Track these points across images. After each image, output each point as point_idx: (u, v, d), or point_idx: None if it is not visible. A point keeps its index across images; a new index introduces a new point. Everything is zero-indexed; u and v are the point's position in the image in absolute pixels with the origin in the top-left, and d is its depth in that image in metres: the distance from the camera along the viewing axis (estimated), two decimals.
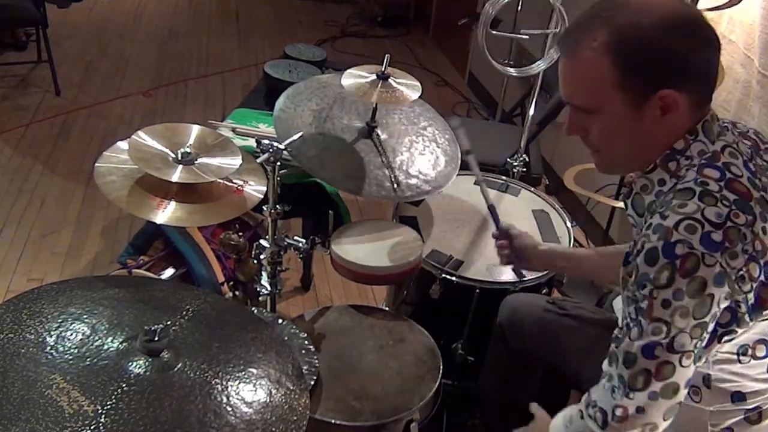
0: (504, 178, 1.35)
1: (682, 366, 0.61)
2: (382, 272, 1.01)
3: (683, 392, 0.63)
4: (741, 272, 0.60)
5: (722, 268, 0.59)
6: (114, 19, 3.31)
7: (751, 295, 0.61)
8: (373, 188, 1.06)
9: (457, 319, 1.15)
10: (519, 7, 1.75)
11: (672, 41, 0.61)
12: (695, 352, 0.61)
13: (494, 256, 1.14)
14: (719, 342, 0.64)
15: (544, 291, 1.14)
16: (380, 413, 0.88)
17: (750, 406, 0.70)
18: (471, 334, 1.15)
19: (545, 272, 1.11)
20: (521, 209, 1.28)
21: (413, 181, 1.09)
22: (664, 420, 0.64)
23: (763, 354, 0.67)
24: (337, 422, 0.86)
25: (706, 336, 0.62)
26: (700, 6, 1.31)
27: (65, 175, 2.06)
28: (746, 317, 0.62)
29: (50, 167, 2.10)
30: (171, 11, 3.50)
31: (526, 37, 1.43)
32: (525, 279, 1.10)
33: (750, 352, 0.67)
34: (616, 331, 0.65)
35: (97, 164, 0.93)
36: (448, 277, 1.09)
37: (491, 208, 1.03)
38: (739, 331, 0.64)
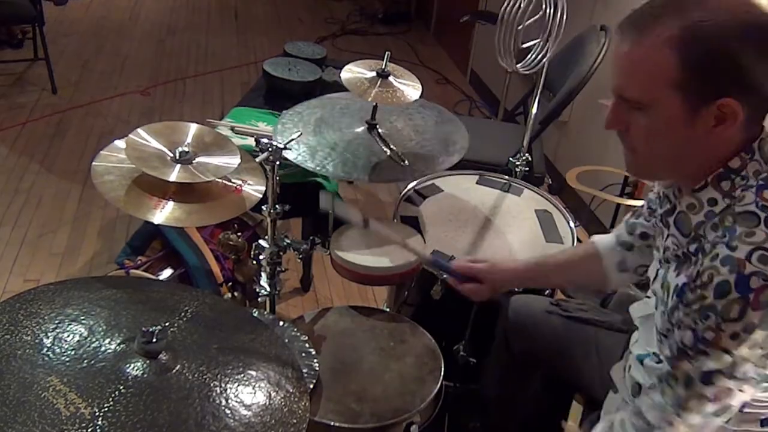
0: (506, 177, 1.34)
1: (741, 391, 0.61)
2: (383, 273, 1.00)
3: (733, 413, 0.63)
4: None
5: None
6: (111, 17, 3.29)
7: None
8: (364, 173, 1.04)
9: (458, 321, 1.14)
10: (521, 4, 1.73)
11: (744, 49, 0.56)
12: (758, 379, 0.60)
13: (496, 257, 1.13)
14: None
15: (547, 292, 1.12)
16: (380, 415, 0.87)
17: None
18: (473, 336, 1.14)
19: None
20: (524, 209, 1.27)
21: (410, 165, 1.07)
22: None
23: None
24: (337, 424, 0.85)
25: None
26: None
27: (62, 175, 2.04)
28: None
29: (47, 166, 2.08)
30: (169, 8, 3.48)
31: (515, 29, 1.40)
32: None
33: None
34: (665, 352, 0.63)
35: (94, 163, 0.92)
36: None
37: (430, 263, 0.91)
38: None
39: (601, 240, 0.90)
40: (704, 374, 0.60)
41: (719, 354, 0.59)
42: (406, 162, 1.05)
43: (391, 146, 1.07)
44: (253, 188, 0.96)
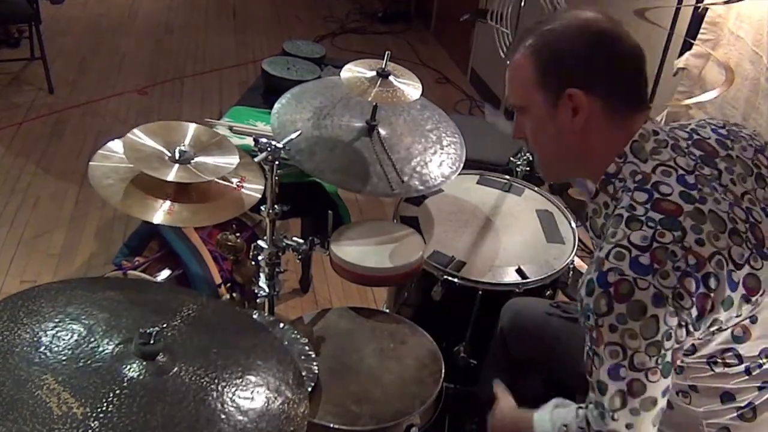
0: (507, 177, 1.33)
1: (651, 381, 0.63)
2: (383, 273, 0.99)
3: (663, 400, 0.65)
4: (677, 289, 0.61)
5: (657, 290, 0.60)
6: (109, 15, 3.28)
7: (693, 308, 0.62)
8: (360, 183, 1.04)
9: (459, 322, 1.13)
10: (522, 3, 1.72)
11: (584, 46, 0.66)
12: (660, 368, 0.63)
13: (497, 257, 1.12)
14: (686, 356, 0.66)
15: (548, 293, 1.12)
16: (380, 417, 0.86)
17: (742, 404, 0.70)
18: (473, 337, 1.13)
19: (549, 273, 1.09)
20: (525, 209, 1.26)
21: (406, 178, 1.07)
22: (653, 426, 0.66)
23: (735, 362, 0.68)
24: (336, 426, 0.84)
25: (666, 353, 0.63)
26: (707, 0, 1.29)
27: (59, 175, 2.03)
28: (691, 327, 0.63)
29: (43, 166, 2.07)
30: (167, 7, 3.47)
31: (506, 30, 1.41)
32: (528, 281, 1.08)
33: (719, 361, 0.68)
34: (585, 359, 0.67)
35: (91, 163, 0.91)
36: (450, 278, 1.07)
37: None
38: (690, 340, 0.64)
39: None
40: (609, 371, 0.63)
41: (611, 349, 0.63)
42: (405, 179, 1.04)
43: (393, 161, 1.07)
44: (252, 188, 0.95)
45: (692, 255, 0.61)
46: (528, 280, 1.07)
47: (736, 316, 0.65)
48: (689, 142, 0.70)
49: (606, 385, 0.64)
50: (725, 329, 0.65)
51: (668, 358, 0.63)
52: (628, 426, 0.65)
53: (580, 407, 0.71)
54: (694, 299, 0.61)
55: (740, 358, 0.67)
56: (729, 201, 0.66)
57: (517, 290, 1.07)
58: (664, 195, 0.64)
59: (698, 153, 0.69)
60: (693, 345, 0.66)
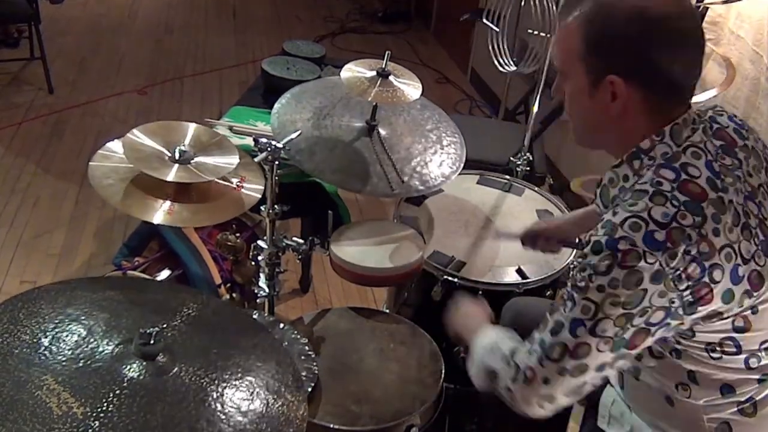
0: (507, 177, 1.33)
1: (599, 351, 0.64)
2: (383, 274, 0.99)
3: (592, 374, 0.66)
4: (678, 272, 0.61)
5: (661, 267, 0.60)
6: (108, 15, 3.28)
7: (687, 292, 0.62)
8: (360, 183, 1.04)
9: None
10: (522, 3, 1.72)
11: (635, 34, 0.63)
12: (615, 340, 0.63)
13: (497, 257, 1.12)
14: (651, 336, 0.65)
15: (548, 293, 1.12)
16: (380, 418, 0.86)
17: (742, 398, 0.69)
18: None
19: (549, 273, 1.09)
20: (525, 209, 1.26)
21: (406, 178, 1.07)
22: (565, 396, 0.67)
23: (734, 351, 0.68)
24: (336, 426, 0.84)
25: (630, 329, 0.63)
26: (707, 0, 1.29)
27: (59, 175, 2.03)
28: (679, 311, 0.63)
29: (43, 166, 2.07)
30: (167, 6, 3.47)
31: (497, 29, 1.42)
32: (529, 281, 1.08)
33: (718, 349, 0.68)
34: (554, 304, 0.68)
35: (91, 163, 0.91)
36: (450, 278, 1.07)
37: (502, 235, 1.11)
38: (673, 323, 0.64)
39: None
40: (571, 322, 0.64)
41: (585, 303, 0.63)
42: (405, 179, 1.04)
43: (393, 161, 1.07)
44: (252, 188, 0.95)
45: (706, 243, 0.61)
46: (528, 280, 1.08)
47: (738, 307, 0.65)
48: (711, 130, 0.70)
49: (561, 329, 0.64)
50: (725, 318, 0.65)
51: (627, 335, 0.63)
52: (545, 380, 0.66)
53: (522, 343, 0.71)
54: (691, 283, 0.61)
55: (739, 348, 0.67)
56: (745, 193, 0.67)
57: (518, 290, 1.07)
58: (692, 177, 0.64)
59: (719, 143, 0.69)
60: (691, 329, 0.65)
